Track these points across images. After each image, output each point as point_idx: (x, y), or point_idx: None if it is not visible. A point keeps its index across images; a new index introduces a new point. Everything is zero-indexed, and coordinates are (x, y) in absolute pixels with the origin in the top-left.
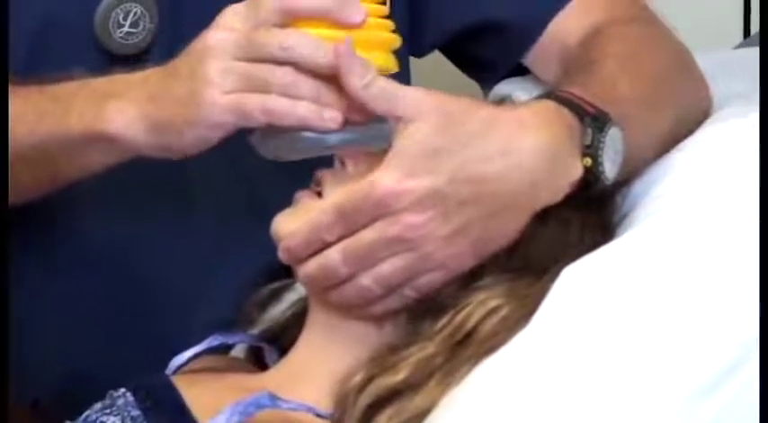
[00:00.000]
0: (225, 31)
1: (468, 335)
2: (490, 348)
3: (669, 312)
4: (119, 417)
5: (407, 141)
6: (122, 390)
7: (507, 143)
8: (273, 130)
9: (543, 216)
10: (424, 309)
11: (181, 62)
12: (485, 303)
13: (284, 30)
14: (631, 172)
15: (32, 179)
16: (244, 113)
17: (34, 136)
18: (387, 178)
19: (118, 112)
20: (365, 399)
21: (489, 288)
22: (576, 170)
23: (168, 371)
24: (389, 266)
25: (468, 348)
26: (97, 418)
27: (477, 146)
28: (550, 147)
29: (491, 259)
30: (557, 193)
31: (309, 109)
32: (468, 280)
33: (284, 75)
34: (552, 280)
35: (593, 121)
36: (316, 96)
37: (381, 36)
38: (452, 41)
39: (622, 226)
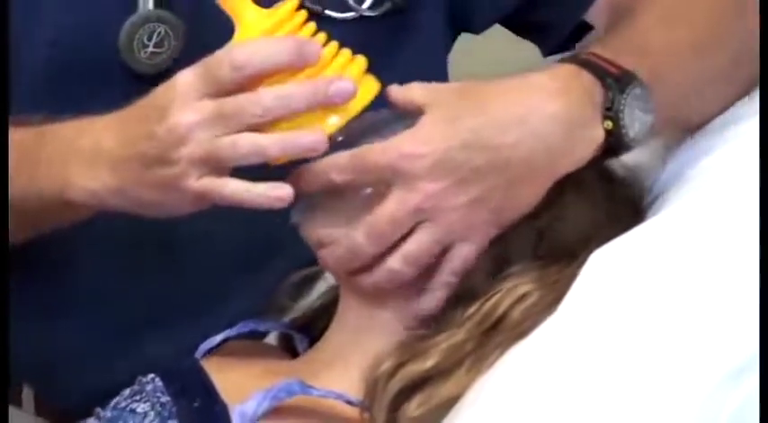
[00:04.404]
0: (189, 112)
1: (498, 321)
2: (519, 334)
3: (698, 297)
4: (148, 403)
5: (422, 117)
6: (151, 375)
7: (522, 110)
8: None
9: (571, 198)
10: (456, 298)
11: (145, 141)
12: (514, 290)
13: (254, 94)
14: (686, 121)
15: (23, 225)
16: (212, 200)
17: (13, 191)
18: (400, 143)
19: (80, 185)
20: (395, 385)
21: (519, 275)
22: (597, 134)
23: (197, 354)
24: (414, 244)
25: (498, 335)
26: (127, 405)
27: (491, 114)
28: (567, 112)
29: (520, 247)
30: (579, 159)
31: (262, 195)
32: (499, 268)
33: (242, 146)
34: (581, 265)
35: (616, 81)
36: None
37: (358, 64)
38: (512, 13)
39: (653, 208)
